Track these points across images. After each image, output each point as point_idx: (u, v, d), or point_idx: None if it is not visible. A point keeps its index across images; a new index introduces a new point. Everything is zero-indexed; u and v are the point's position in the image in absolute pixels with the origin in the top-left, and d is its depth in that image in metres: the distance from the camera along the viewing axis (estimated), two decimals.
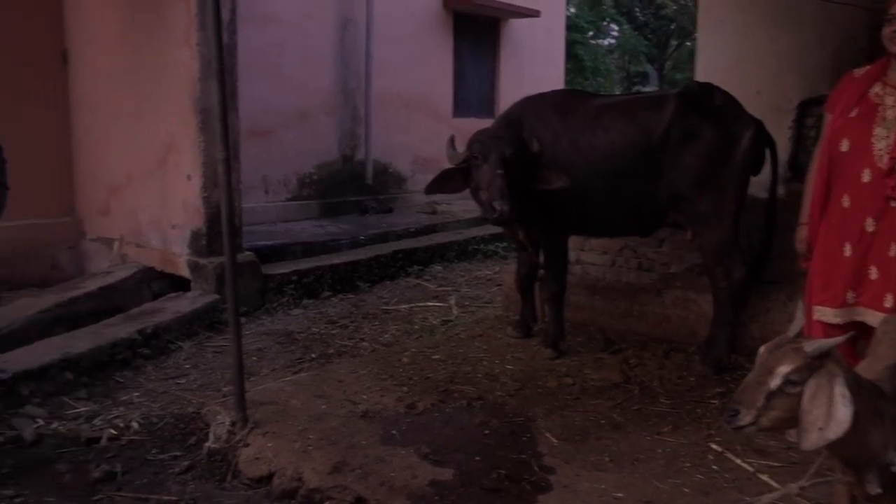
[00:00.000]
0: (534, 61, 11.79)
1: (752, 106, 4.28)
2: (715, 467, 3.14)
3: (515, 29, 11.47)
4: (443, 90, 10.48)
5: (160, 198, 6.17)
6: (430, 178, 4.32)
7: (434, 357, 4.49)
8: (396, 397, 3.86)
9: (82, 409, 4.14)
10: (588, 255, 5.64)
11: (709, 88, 4.22)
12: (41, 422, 3.95)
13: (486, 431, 3.48)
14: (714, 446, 3.31)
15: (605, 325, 4.95)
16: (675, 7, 23.94)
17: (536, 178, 4.03)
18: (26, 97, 6.57)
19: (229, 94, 5.76)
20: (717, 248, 4.11)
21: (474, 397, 3.86)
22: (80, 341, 4.61)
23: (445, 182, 4.23)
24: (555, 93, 4.81)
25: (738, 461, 3.18)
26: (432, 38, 10.20)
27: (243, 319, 5.78)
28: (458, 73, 10.77)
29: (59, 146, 6.89)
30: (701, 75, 5.99)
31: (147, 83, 6.12)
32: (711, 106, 4.12)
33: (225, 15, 5.67)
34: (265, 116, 8.06)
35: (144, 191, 6.33)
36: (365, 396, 3.87)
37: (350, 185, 9.30)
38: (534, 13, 11.09)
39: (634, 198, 4.25)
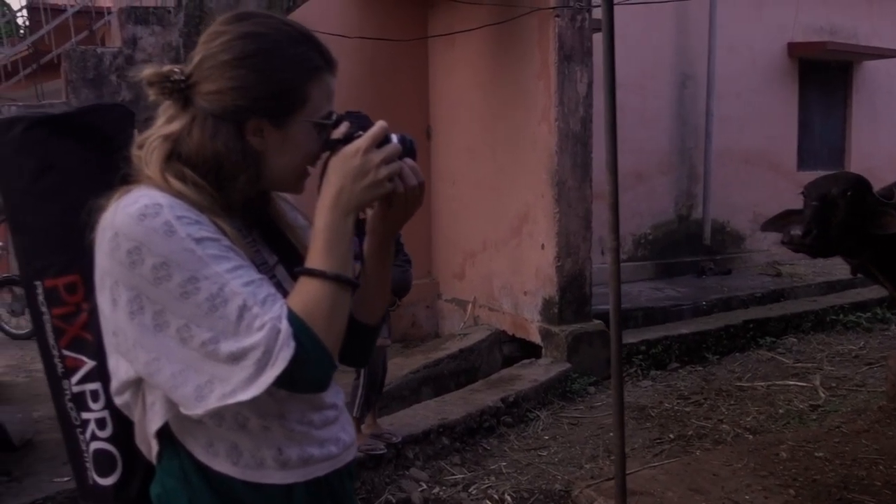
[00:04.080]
0: (892, 105, 10.59)
1: None
2: None
3: (870, 71, 10.40)
4: (786, 143, 9.79)
5: (513, 265, 6.46)
6: (770, 236, 4.11)
7: (817, 455, 4.08)
8: (783, 501, 3.56)
9: (458, 475, 4.39)
10: None
11: None
12: (424, 486, 4.25)
13: None
14: None
15: None
16: None
17: (875, 225, 3.68)
18: None
19: (582, 164, 5.93)
20: None
21: None
22: (453, 407, 4.91)
23: (784, 220, 4.02)
24: None
25: None
26: (775, 89, 9.60)
27: (592, 389, 5.82)
28: (804, 124, 10.00)
29: (422, 214, 7.54)
30: None
31: (504, 157, 6.48)
32: None
33: (581, 89, 5.85)
34: (603, 179, 8.09)
35: (498, 257, 6.68)
36: (747, 496, 3.62)
37: (686, 246, 9.00)
38: (895, 54, 9.98)
39: None
